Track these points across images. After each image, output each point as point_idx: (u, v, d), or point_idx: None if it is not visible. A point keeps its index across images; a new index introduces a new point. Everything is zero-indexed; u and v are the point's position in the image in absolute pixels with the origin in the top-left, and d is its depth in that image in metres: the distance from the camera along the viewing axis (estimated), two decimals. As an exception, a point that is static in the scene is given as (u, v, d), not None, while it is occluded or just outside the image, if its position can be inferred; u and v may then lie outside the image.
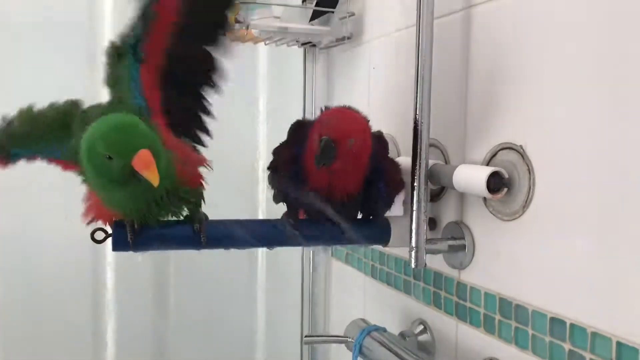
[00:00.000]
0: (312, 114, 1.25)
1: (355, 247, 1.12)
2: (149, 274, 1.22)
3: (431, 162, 0.76)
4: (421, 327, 0.89)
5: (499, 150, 0.72)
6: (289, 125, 0.81)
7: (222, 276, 1.27)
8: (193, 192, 0.73)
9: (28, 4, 1.10)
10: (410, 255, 0.74)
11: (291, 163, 0.77)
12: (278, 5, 1.08)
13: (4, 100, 1.07)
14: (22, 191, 1.11)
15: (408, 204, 0.76)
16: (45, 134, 0.72)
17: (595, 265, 0.58)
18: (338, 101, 1.19)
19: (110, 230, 0.71)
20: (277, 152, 0.81)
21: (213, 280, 1.26)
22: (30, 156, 0.74)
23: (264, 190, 1.27)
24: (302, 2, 1.13)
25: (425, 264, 0.75)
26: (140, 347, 1.23)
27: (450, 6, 0.80)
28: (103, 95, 0.73)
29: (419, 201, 0.73)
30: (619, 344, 0.56)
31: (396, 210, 0.83)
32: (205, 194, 0.75)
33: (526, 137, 0.68)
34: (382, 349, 0.82)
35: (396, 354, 0.79)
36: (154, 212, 0.69)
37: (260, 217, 1.26)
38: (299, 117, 1.25)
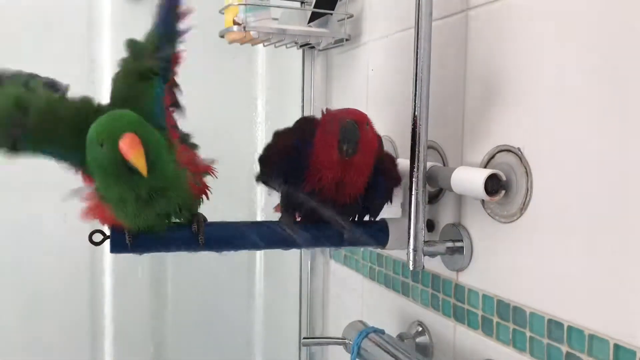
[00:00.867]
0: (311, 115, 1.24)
1: (353, 249, 1.12)
2: (146, 275, 1.22)
3: (429, 164, 0.76)
4: (419, 329, 0.89)
5: (497, 152, 0.72)
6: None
7: (220, 278, 1.27)
8: (198, 201, 0.75)
9: (28, 5, 1.11)
10: (409, 257, 0.74)
11: (288, 152, 0.77)
12: (276, 7, 1.08)
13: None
14: (21, 191, 1.11)
15: (406, 206, 0.76)
16: (65, 136, 0.68)
17: (593, 268, 0.58)
18: (336, 102, 1.19)
19: (108, 233, 0.71)
20: (277, 134, 0.82)
21: (211, 282, 1.26)
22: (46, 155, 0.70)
23: (262, 192, 1.26)
24: (301, 4, 1.13)
25: (423, 266, 0.75)
26: (138, 349, 1.23)
27: (448, 8, 0.80)
28: (103, 96, 0.73)
29: (417, 203, 0.73)
30: (616, 346, 0.56)
31: (394, 212, 0.83)
32: (204, 194, 0.76)
33: (524, 139, 0.68)
34: (380, 351, 0.82)
35: (394, 356, 0.79)
36: (163, 225, 0.70)
37: (259, 218, 1.26)
38: (298, 118, 1.25)
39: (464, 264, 0.78)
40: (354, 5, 1.08)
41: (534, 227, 0.66)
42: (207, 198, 0.75)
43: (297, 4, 1.12)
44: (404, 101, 0.87)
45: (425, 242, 0.75)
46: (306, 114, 1.26)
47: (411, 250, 0.74)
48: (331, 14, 1.06)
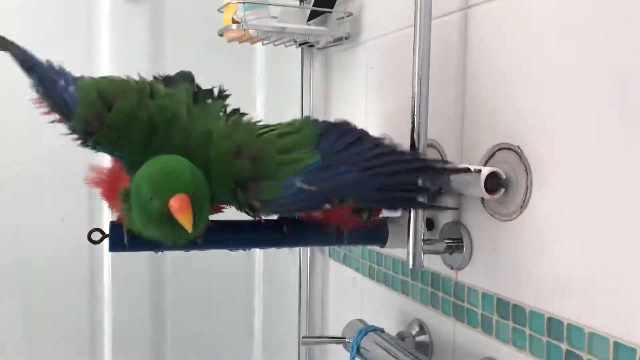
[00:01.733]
0: (310, 114, 1.24)
1: (352, 247, 1.11)
2: (146, 275, 1.22)
3: (429, 162, 0.76)
4: (419, 327, 0.89)
5: (497, 150, 0.72)
6: None
7: (219, 277, 1.27)
8: None
9: (28, 5, 1.10)
10: (408, 256, 0.74)
11: None
12: (276, 5, 1.08)
13: (4, 101, 1.08)
14: (20, 191, 1.11)
15: (405, 205, 0.76)
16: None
17: (593, 266, 0.58)
18: (336, 101, 1.19)
19: (107, 231, 0.71)
20: None
21: (210, 281, 1.26)
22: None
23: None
24: (300, 2, 1.13)
25: (423, 265, 0.75)
26: (137, 349, 1.23)
27: (447, 6, 0.80)
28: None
29: (416, 201, 0.73)
30: (616, 344, 0.56)
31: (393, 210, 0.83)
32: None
33: (524, 137, 0.68)
34: (380, 349, 0.82)
35: (394, 355, 0.79)
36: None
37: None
38: (297, 117, 1.24)
39: (463, 263, 0.78)
40: (353, 3, 1.07)
41: (534, 225, 0.66)
42: None
43: (296, 2, 1.12)
44: (403, 99, 0.87)
45: (424, 240, 0.75)
46: (305, 112, 1.26)
47: (411, 249, 0.74)
48: (330, 12, 1.06)
